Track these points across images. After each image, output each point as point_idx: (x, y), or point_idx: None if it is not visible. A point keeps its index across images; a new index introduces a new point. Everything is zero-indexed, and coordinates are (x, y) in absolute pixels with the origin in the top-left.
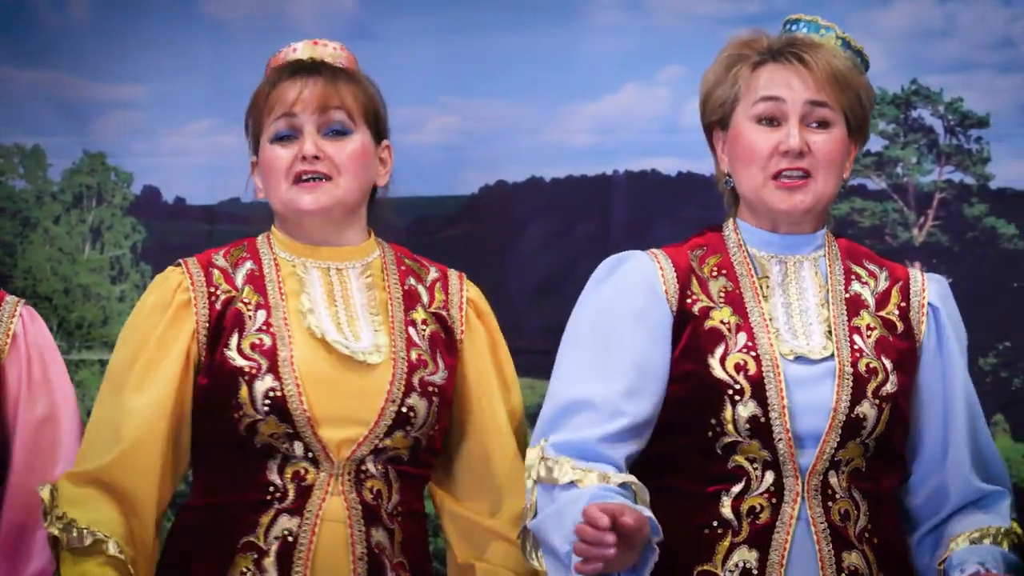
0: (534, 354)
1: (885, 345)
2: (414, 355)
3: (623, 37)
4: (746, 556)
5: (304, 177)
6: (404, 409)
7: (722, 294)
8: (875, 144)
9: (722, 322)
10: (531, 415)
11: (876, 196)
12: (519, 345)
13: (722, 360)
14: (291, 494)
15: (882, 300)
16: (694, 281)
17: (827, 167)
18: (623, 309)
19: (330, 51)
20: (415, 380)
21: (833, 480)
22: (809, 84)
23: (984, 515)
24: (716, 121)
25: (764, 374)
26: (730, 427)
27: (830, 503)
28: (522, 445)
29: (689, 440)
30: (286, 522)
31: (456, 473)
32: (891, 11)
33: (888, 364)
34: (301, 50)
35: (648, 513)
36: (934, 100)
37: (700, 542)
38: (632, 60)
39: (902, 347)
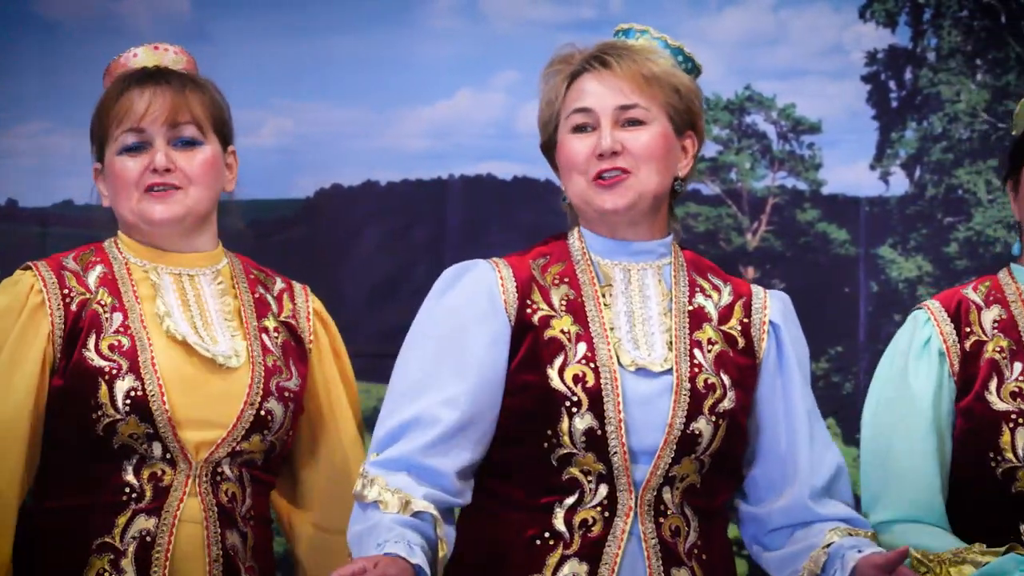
0: (370, 358)
1: (725, 360)
2: (270, 361)
3: (458, 42)
4: (576, 568)
5: (155, 188)
6: (262, 412)
7: (563, 303)
8: (709, 149)
9: (562, 331)
10: (366, 418)
11: (710, 201)
12: (354, 349)
13: (561, 371)
14: (148, 495)
15: (725, 314)
16: (535, 290)
17: (645, 162)
18: (462, 320)
19: (171, 56)
20: (272, 385)
21: (667, 496)
22: (616, 89)
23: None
24: (547, 141)
25: (602, 386)
26: (566, 439)
27: (662, 519)
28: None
29: (525, 450)
30: (143, 522)
31: (305, 482)
32: (724, 18)
33: (727, 380)
34: (143, 56)
35: (417, 560)
36: (767, 106)
37: (531, 552)
38: (467, 65)
39: (742, 363)
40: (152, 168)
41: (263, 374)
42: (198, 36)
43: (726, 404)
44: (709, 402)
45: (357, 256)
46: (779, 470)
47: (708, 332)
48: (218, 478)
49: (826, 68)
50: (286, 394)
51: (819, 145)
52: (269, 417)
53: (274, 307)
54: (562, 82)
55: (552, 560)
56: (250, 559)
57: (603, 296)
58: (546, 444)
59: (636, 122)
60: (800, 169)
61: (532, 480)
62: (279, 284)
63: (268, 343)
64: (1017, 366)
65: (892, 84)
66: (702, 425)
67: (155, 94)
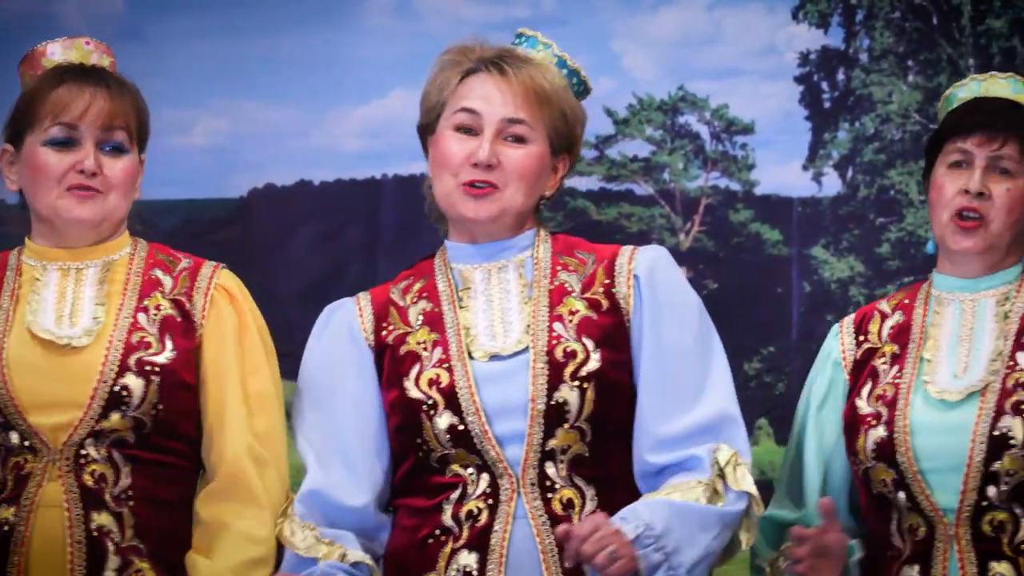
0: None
1: (588, 325)
2: (135, 337)
3: (393, 41)
4: (466, 559)
5: (78, 189)
6: (117, 389)
7: (420, 317)
8: (642, 150)
9: (418, 343)
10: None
11: (643, 201)
12: (288, 348)
13: (416, 379)
14: (10, 484)
15: (588, 283)
16: (392, 312)
17: (516, 181)
18: (334, 362)
19: (98, 54)
20: (131, 360)
21: (551, 471)
22: (507, 99)
23: (682, 473)
24: (426, 125)
25: (455, 382)
26: (434, 442)
27: (550, 494)
28: (270, 429)
29: (410, 463)
30: (4, 512)
31: (203, 460)
32: (659, 18)
33: (590, 344)
34: (71, 52)
35: None
36: (700, 106)
37: (425, 552)
38: (402, 64)
39: (606, 323)
40: (79, 169)
41: (121, 350)
42: (132, 36)
43: (590, 367)
44: (570, 369)
45: (291, 256)
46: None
47: (570, 303)
48: (82, 460)
49: (759, 69)
50: (148, 368)
51: (752, 146)
52: (125, 393)
53: (166, 285)
54: (457, 74)
55: (443, 555)
56: (132, 539)
57: (460, 300)
58: (421, 452)
59: (518, 138)
60: (733, 169)
61: (423, 487)
62: (184, 263)
63: (141, 321)
64: (893, 370)
65: (825, 85)
66: (566, 393)
67: (95, 96)
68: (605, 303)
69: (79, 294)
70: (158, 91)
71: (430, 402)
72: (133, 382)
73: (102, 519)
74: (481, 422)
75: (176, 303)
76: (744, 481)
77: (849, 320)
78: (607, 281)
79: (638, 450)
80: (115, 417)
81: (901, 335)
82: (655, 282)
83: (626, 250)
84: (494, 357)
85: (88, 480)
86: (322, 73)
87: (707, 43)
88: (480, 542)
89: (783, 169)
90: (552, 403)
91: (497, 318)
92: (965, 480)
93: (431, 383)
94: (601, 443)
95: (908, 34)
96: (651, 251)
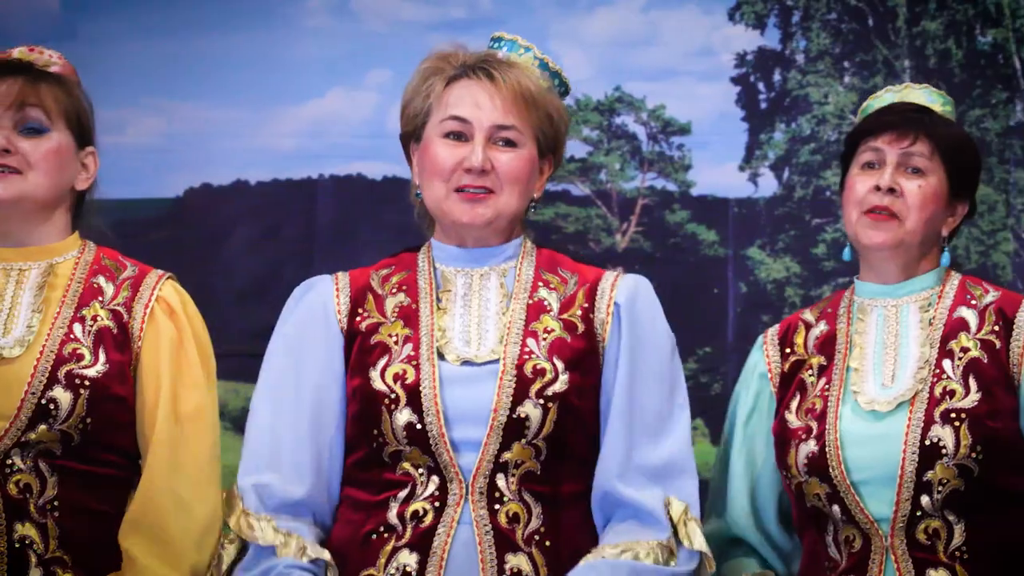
0: (240, 357)
1: (561, 346)
2: (68, 349)
3: (330, 41)
4: (407, 559)
5: None
6: (44, 401)
7: (396, 310)
8: (579, 150)
9: (390, 335)
10: (235, 418)
11: (580, 202)
12: (224, 349)
13: (383, 372)
14: None
15: (567, 304)
16: (369, 299)
17: (510, 185)
18: (304, 338)
19: (44, 58)
20: (60, 373)
21: (501, 482)
22: (496, 104)
23: (640, 527)
24: (411, 132)
25: (420, 381)
26: (390, 436)
27: (497, 505)
28: (199, 452)
29: (361, 453)
30: None
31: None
32: (595, 19)
33: (560, 364)
34: (16, 53)
35: None
36: (637, 107)
37: (366, 548)
38: (339, 64)
39: (579, 347)
40: None
41: (52, 362)
42: (69, 35)
43: (556, 387)
44: (537, 386)
45: (227, 255)
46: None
47: (546, 322)
48: (7, 470)
49: (696, 69)
50: (78, 381)
51: (689, 146)
52: (52, 406)
53: (107, 294)
54: (441, 81)
55: (384, 553)
56: (56, 550)
57: (439, 301)
58: (375, 444)
59: (509, 143)
60: (670, 170)
61: (372, 480)
62: (129, 271)
63: (76, 331)
64: (821, 382)
65: (761, 86)
66: (529, 409)
67: (6, 80)
68: (581, 327)
69: (17, 299)
70: (93, 90)
71: (392, 396)
72: (61, 395)
73: (25, 530)
74: (439, 424)
75: (115, 314)
76: (696, 539)
77: (773, 332)
78: (586, 305)
79: (603, 475)
80: (42, 429)
81: (827, 346)
82: (635, 313)
83: (610, 275)
84: (466, 363)
85: (12, 490)
86: (259, 73)
87: (643, 44)
88: (422, 543)
89: (719, 170)
90: (514, 416)
91: (473, 325)
92: (898, 490)
93: (396, 378)
94: (555, 463)
95: (844, 35)
96: (634, 280)
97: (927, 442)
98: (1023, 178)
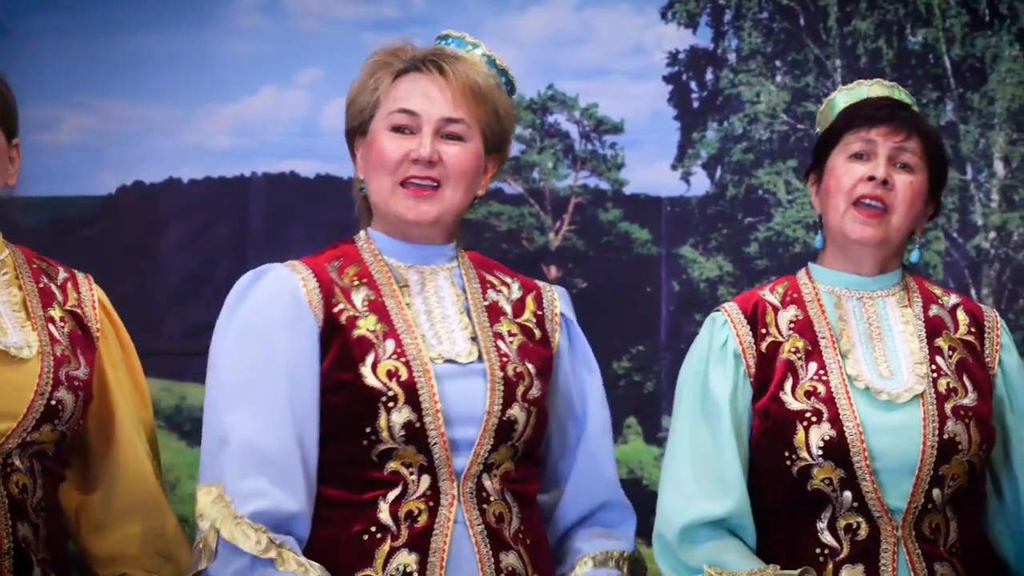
0: (172, 356)
1: (527, 350)
2: (59, 350)
3: (262, 39)
4: (406, 559)
5: None
6: (53, 402)
7: (366, 303)
8: (512, 149)
9: (369, 330)
10: (167, 416)
11: (513, 200)
12: (157, 347)
13: (374, 367)
14: None
15: (518, 308)
16: (337, 291)
17: (457, 179)
18: (270, 323)
19: None
20: (62, 374)
21: (487, 483)
22: (446, 96)
23: (608, 540)
24: (357, 127)
25: (416, 379)
26: (385, 434)
27: (485, 505)
28: (143, 447)
29: (345, 449)
30: None
31: (94, 472)
32: (527, 17)
33: (532, 369)
34: None
35: None
36: (570, 106)
37: (359, 547)
38: (271, 62)
39: (542, 353)
40: None
41: (52, 363)
42: (2, 32)
43: (535, 392)
44: (521, 389)
45: (159, 254)
46: (566, 464)
47: (506, 325)
48: (9, 469)
49: (628, 68)
50: (76, 383)
51: (621, 145)
52: (60, 407)
53: (59, 296)
54: (389, 75)
55: (381, 553)
56: (43, 550)
57: (402, 296)
58: (365, 441)
59: (456, 137)
60: (602, 169)
61: (354, 477)
62: (63, 273)
63: (55, 333)
64: (812, 366)
65: (693, 85)
66: (516, 412)
67: None
68: (538, 333)
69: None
70: (25, 87)
71: (390, 394)
72: (66, 396)
73: (24, 530)
74: (439, 424)
75: (74, 316)
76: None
77: (736, 311)
78: (539, 312)
79: (605, 484)
80: (46, 429)
81: (806, 331)
82: (576, 328)
83: (545, 286)
84: (449, 361)
85: (14, 490)
86: (191, 71)
87: (576, 43)
88: (420, 543)
89: (652, 168)
90: (505, 419)
91: (439, 323)
92: (915, 482)
93: (390, 375)
94: (525, 464)
95: (776, 35)
96: (565, 293)
97: (945, 436)
98: (953, 177)
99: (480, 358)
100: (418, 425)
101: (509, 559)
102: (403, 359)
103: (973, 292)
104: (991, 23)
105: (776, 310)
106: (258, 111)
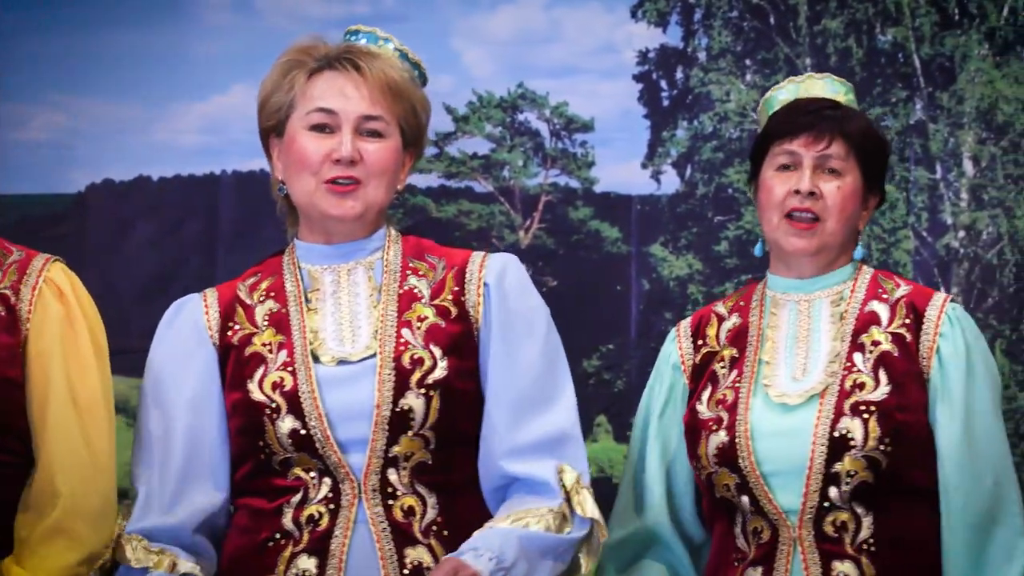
0: (141, 354)
1: (436, 333)
2: None
3: (233, 37)
4: (306, 564)
5: None
6: None
7: (267, 318)
8: (482, 147)
9: (263, 345)
10: (136, 414)
11: (483, 199)
12: (126, 345)
13: (260, 382)
14: None
15: (438, 290)
16: (238, 311)
17: (379, 176)
18: (175, 363)
19: None
20: None
21: (392, 477)
22: (363, 94)
23: (532, 497)
24: (272, 127)
25: (299, 386)
26: (276, 445)
27: (391, 501)
28: (95, 435)
29: (251, 465)
30: None
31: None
32: (497, 16)
33: (437, 351)
34: None
35: None
36: (540, 104)
37: (264, 555)
38: (241, 60)
39: (454, 331)
40: None
41: None
42: None
43: (436, 375)
44: (416, 376)
45: (129, 252)
46: (490, 432)
47: (419, 310)
48: None
49: (598, 67)
50: None
51: (591, 143)
52: None
53: None
54: (303, 73)
55: (283, 559)
56: None
57: (308, 302)
58: (263, 455)
59: (375, 133)
60: (572, 167)
61: (265, 488)
62: (15, 256)
63: None
64: (733, 374)
65: (663, 83)
66: (412, 400)
67: None
68: (454, 310)
69: None
70: None
71: (273, 405)
72: None
73: None
74: (323, 427)
75: (2, 297)
76: (588, 506)
77: (686, 324)
78: (456, 288)
79: (490, 457)
80: None
81: (739, 339)
82: (505, 290)
83: (476, 256)
84: (342, 362)
85: None
86: (161, 69)
87: (546, 41)
88: (320, 547)
89: (622, 167)
90: (397, 410)
91: (346, 322)
92: (807, 482)
93: (274, 386)
94: (445, 451)
95: (746, 33)
96: (501, 259)
97: (836, 434)
98: (923, 176)
99: (375, 354)
100: (303, 432)
101: (416, 553)
102: (290, 368)
103: (943, 291)
104: (960, 22)
105: (721, 320)
106: (229, 109)
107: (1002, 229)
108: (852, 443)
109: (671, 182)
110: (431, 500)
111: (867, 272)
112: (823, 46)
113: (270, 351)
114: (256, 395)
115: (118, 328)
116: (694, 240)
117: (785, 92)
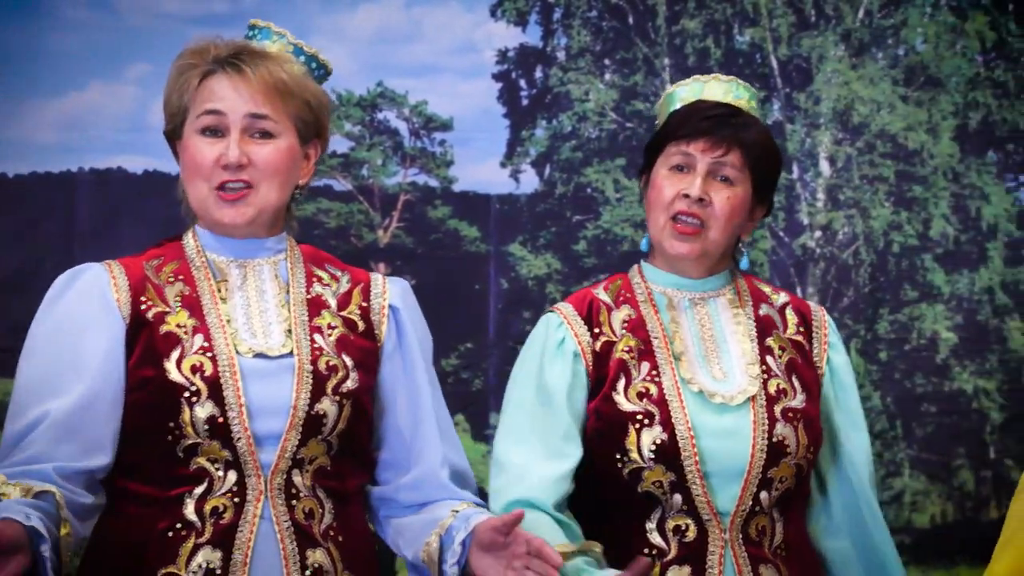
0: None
1: (346, 343)
2: None
3: (90, 33)
4: (210, 556)
5: None
6: None
7: (178, 299)
8: (341, 146)
9: (178, 326)
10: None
11: (342, 197)
12: None
13: (178, 363)
14: None
15: (343, 301)
16: (149, 288)
17: (270, 178)
18: (75, 325)
19: None
20: None
21: (297, 479)
22: (250, 95)
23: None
24: (171, 131)
25: (220, 373)
26: (189, 429)
27: (294, 501)
28: None
29: (150, 445)
30: None
31: None
32: (357, 14)
33: (349, 362)
34: None
35: (33, 523)
36: (399, 103)
37: (164, 545)
38: (99, 57)
39: (364, 346)
40: None
41: None
42: None
43: (349, 384)
44: (332, 382)
45: None
46: (404, 451)
47: (327, 318)
48: None
49: (458, 66)
50: None
51: (451, 143)
52: None
53: None
54: (196, 76)
55: (185, 550)
56: None
57: (219, 291)
58: (170, 437)
59: (266, 134)
60: (432, 166)
61: (161, 474)
62: None
63: None
64: (645, 366)
65: (523, 83)
66: (326, 406)
67: None
68: (361, 325)
69: None
70: None
71: (193, 389)
72: None
73: None
74: (243, 419)
75: None
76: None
77: (571, 310)
78: (364, 304)
79: (429, 472)
80: None
81: (638, 330)
82: (409, 317)
83: (377, 278)
84: (259, 356)
85: None
86: (17, 65)
87: (406, 40)
88: (224, 539)
89: (481, 166)
90: (312, 413)
91: (256, 316)
92: (744, 485)
93: (194, 370)
94: (343, 459)
95: (605, 33)
96: (401, 283)
97: (774, 439)
98: (780, 177)
99: (292, 352)
100: (221, 420)
101: (316, 556)
102: (209, 354)
103: (799, 290)
104: (817, 23)
105: (610, 309)
106: (86, 106)
107: (858, 229)
108: (788, 450)
109: (530, 181)
110: (328, 505)
111: (741, 277)
112: (681, 46)
113: (185, 333)
114: (174, 375)
115: None
116: (553, 239)
117: (687, 90)
